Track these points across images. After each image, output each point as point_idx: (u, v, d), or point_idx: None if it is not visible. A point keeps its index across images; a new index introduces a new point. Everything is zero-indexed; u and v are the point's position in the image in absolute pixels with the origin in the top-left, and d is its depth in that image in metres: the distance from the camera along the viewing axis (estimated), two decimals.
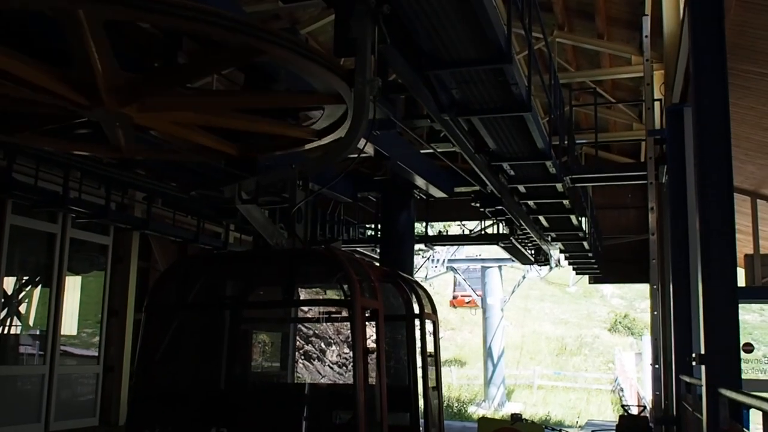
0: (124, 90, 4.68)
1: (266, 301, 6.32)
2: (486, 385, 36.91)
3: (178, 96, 5.25)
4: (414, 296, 6.20)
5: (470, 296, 40.89)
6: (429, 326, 6.32)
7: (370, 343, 5.08)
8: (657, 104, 13.74)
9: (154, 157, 7.34)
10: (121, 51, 4.72)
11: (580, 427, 24.57)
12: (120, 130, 5.31)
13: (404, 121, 8.62)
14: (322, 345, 18.29)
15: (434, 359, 6.25)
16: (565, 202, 13.05)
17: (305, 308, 7.20)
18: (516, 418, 5.00)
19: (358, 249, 18.15)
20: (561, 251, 20.07)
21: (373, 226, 18.16)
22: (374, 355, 5.11)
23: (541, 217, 15.03)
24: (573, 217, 14.73)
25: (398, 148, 11.61)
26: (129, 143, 5.67)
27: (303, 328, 16.78)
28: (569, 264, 22.44)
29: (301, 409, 5.24)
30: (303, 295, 6.61)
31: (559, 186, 11.78)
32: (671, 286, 11.02)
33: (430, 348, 6.25)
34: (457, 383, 40.62)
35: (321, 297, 6.10)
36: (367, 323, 5.11)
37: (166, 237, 15.86)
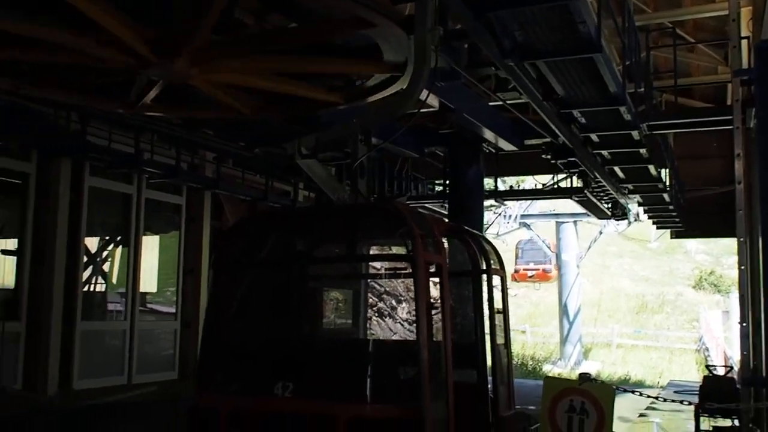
0: (199, 51, 4.74)
1: (328, 256, 6.33)
2: (562, 344, 36.42)
3: (247, 59, 5.30)
4: (480, 251, 6.09)
5: (536, 269, 38.98)
6: (497, 282, 6.19)
7: (435, 299, 5.02)
8: (744, 42, 12.82)
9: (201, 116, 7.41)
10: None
11: (661, 387, 23.96)
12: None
13: (468, 70, 8.34)
14: (393, 302, 18.24)
15: (502, 315, 6.15)
16: (642, 151, 12.46)
17: (371, 264, 7.12)
18: (585, 378, 4.76)
19: (426, 205, 17.96)
20: (639, 204, 19.31)
21: (441, 181, 17.89)
22: (439, 311, 5.02)
23: (616, 168, 14.44)
24: (651, 168, 14.08)
25: (464, 100, 11.31)
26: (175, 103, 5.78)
27: (376, 286, 16.76)
28: (649, 218, 21.63)
29: (366, 364, 5.24)
30: (369, 251, 6.59)
31: (635, 134, 11.24)
32: (760, 240, 10.39)
33: (498, 304, 6.15)
34: (532, 341, 40.25)
35: (385, 253, 6.04)
36: (432, 279, 5.03)
37: (236, 196, 16.07)
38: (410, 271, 4.98)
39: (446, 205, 16.32)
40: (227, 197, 16.27)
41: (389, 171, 16.82)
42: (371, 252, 6.82)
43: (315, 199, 5.91)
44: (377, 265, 7.10)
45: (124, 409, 10.55)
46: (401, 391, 4.84)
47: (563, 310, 36.38)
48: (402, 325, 16.18)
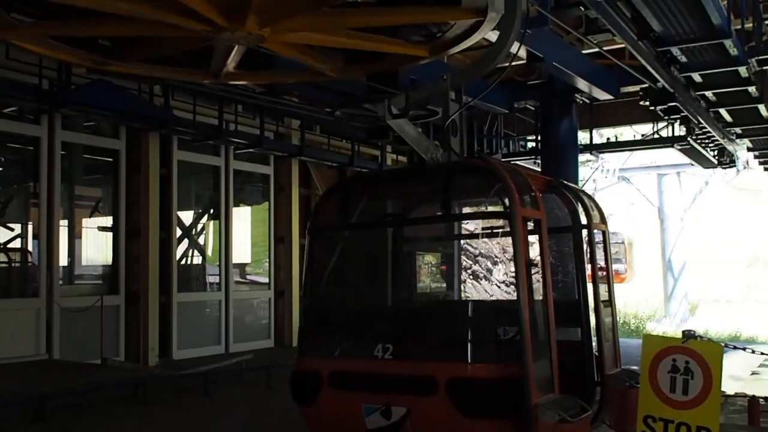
0: (265, 10, 4.73)
1: (422, 217, 6.22)
2: (666, 301, 35.06)
3: (315, 15, 5.10)
4: (581, 206, 5.87)
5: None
6: (598, 237, 6.01)
7: (534, 257, 4.93)
8: None
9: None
10: None
11: None
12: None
13: (555, 11, 7.80)
14: (488, 264, 17.85)
15: (605, 271, 5.92)
16: (751, 89, 11.46)
17: (465, 225, 6.87)
18: (689, 335, 4.31)
19: (518, 162, 17.35)
20: (749, 150, 18.02)
21: (533, 137, 17.22)
22: (539, 268, 4.94)
23: (722, 111, 13.43)
24: (762, 108, 12.99)
25: (553, 48, 10.67)
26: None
27: (470, 248, 16.39)
28: (759, 164, 20.24)
29: (465, 325, 5.18)
30: (463, 211, 6.37)
31: (742, 70, 10.31)
32: None
33: (601, 260, 5.93)
34: (635, 299, 38.86)
35: (481, 211, 5.90)
36: (530, 236, 4.93)
37: (323, 163, 15.98)
38: (507, 229, 4.88)
39: (538, 162, 15.70)
40: (314, 164, 16.23)
41: (479, 130, 16.32)
42: (465, 211, 6.60)
43: (407, 160, 5.85)
44: (471, 227, 6.88)
45: (223, 377, 10.68)
46: (501, 351, 4.87)
47: (667, 265, 34.95)
48: (498, 286, 15.81)
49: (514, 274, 4.75)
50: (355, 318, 5.86)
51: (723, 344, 4.72)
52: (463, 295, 5.71)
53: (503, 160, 16.48)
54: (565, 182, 6.08)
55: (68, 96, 10.48)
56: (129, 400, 8.91)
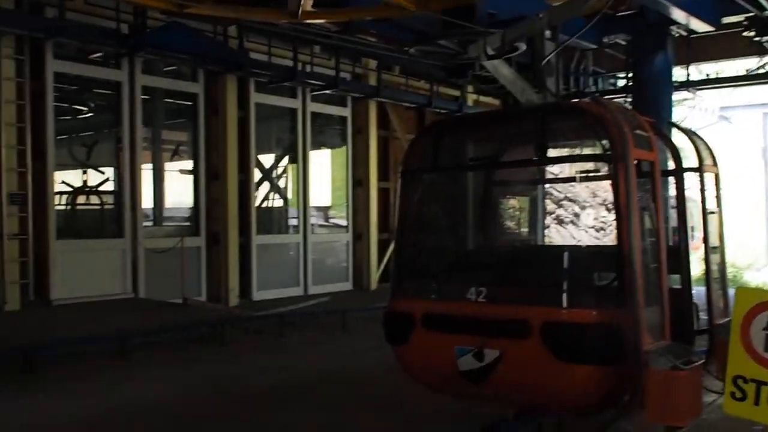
0: None
1: (522, 160, 5.97)
2: None
3: None
4: (693, 147, 5.68)
5: None
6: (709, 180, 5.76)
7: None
8: None
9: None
10: None
11: None
12: None
13: None
14: (586, 208, 17.33)
15: (717, 217, 5.76)
16: None
17: (559, 168, 6.66)
18: None
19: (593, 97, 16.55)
20: None
21: (623, 74, 16.34)
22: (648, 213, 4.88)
23: None
24: None
25: None
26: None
27: (554, 192, 15.96)
28: None
29: (560, 269, 5.04)
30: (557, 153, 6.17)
31: None
32: None
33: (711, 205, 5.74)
34: (733, 245, 37.14)
35: (589, 153, 5.64)
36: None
37: (401, 104, 15.71)
38: (609, 172, 4.73)
39: (629, 100, 14.90)
40: (392, 106, 15.97)
41: (565, 66, 15.61)
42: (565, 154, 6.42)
43: (501, 102, 5.80)
44: (570, 170, 6.66)
45: (299, 319, 10.84)
46: (599, 297, 4.73)
47: None
48: (587, 232, 15.43)
49: (604, 219, 4.55)
50: (448, 261, 5.92)
51: None
52: (559, 239, 5.53)
53: (593, 98, 15.74)
54: (674, 122, 6.04)
55: (144, 39, 10.57)
56: (207, 339, 9.16)
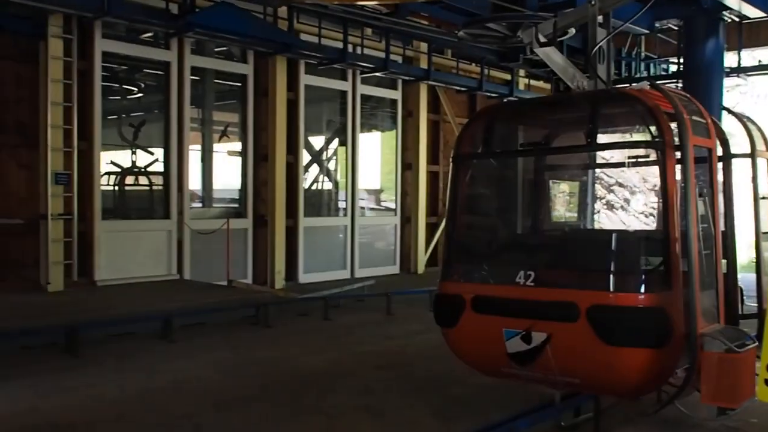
0: None
1: (572, 146, 5.99)
2: None
3: None
4: (745, 132, 5.69)
5: None
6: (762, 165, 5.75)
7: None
8: None
9: None
10: None
11: None
12: None
13: None
14: (626, 194, 17.00)
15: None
16: None
17: (609, 155, 6.58)
18: None
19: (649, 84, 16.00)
20: None
21: (675, 60, 15.82)
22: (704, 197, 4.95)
23: None
24: None
25: None
26: None
27: (605, 177, 15.77)
28: None
29: (608, 253, 5.14)
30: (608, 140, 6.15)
31: None
32: None
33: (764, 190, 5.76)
34: None
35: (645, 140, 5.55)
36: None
37: (452, 87, 15.45)
38: (658, 158, 4.79)
39: (680, 86, 14.42)
40: (443, 89, 15.74)
41: (617, 51, 15.14)
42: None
43: (552, 89, 5.89)
44: (606, 156, 6.53)
45: (344, 302, 10.76)
46: (646, 281, 4.76)
47: None
48: (636, 217, 15.04)
49: (663, 204, 4.66)
50: (497, 245, 6.04)
51: None
52: (608, 224, 5.52)
53: (644, 84, 15.28)
54: (727, 108, 6.01)
55: (193, 19, 10.51)
56: (251, 321, 9.13)
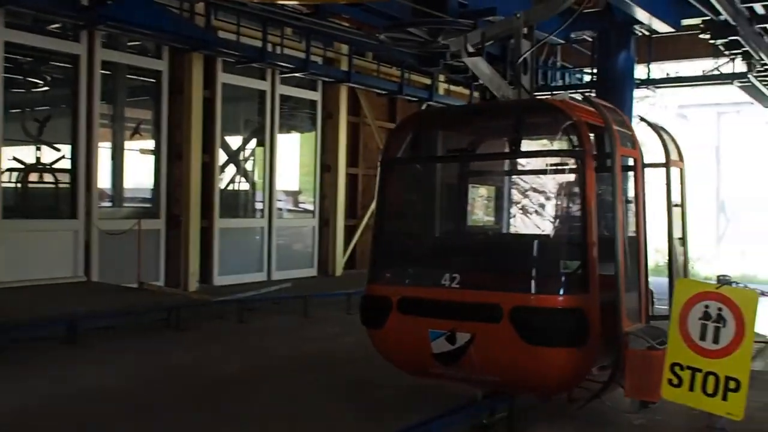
0: None
1: (501, 153, 6.35)
2: (717, 242, 34.25)
3: None
4: (660, 142, 5.87)
5: None
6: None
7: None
8: None
9: None
10: None
11: None
12: None
13: None
14: (546, 201, 17.36)
15: (681, 209, 5.99)
16: None
17: (526, 162, 6.80)
18: (723, 281, 4.03)
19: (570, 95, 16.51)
20: None
21: (589, 70, 16.38)
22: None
23: None
24: None
25: None
26: None
27: (528, 183, 16.10)
28: None
29: (531, 257, 5.31)
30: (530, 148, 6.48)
31: None
32: None
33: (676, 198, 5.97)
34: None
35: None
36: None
37: (372, 90, 15.45)
38: (579, 168, 5.03)
39: (593, 95, 14.91)
40: (364, 91, 15.72)
41: (534, 60, 15.52)
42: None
43: (480, 96, 6.14)
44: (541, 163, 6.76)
45: (261, 305, 10.55)
46: (566, 283, 4.99)
47: (720, 206, 33.99)
48: (551, 222, 15.52)
49: (582, 210, 4.90)
50: (424, 248, 6.18)
51: (760, 291, 4.48)
52: (531, 230, 5.79)
53: (557, 93, 15.73)
54: (643, 117, 6.06)
55: (104, 11, 10.09)
56: (164, 324, 8.82)
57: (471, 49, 5.63)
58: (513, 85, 5.66)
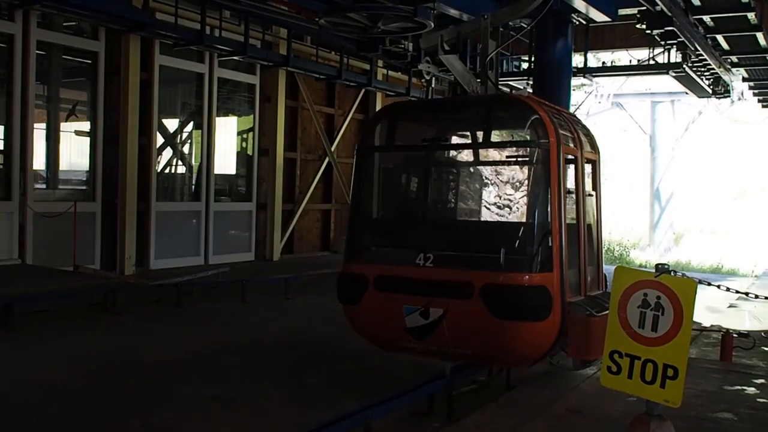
0: None
1: (465, 143, 6.74)
2: (652, 230, 35.08)
3: None
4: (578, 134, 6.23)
5: None
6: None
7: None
8: None
9: None
10: None
11: (755, 276, 22.79)
12: None
13: None
14: (509, 187, 17.90)
15: (594, 198, 6.47)
16: (750, 16, 11.03)
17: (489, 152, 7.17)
18: (662, 269, 4.16)
19: (509, 83, 16.90)
20: (744, 80, 17.59)
21: (527, 58, 16.70)
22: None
23: (719, 38, 12.97)
24: (760, 36, 12.52)
25: None
26: None
27: (490, 171, 16.54)
28: (754, 95, 19.81)
29: (499, 239, 5.79)
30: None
31: None
32: None
33: (588, 187, 6.38)
34: (620, 226, 38.91)
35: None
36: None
37: (311, 74, 15.52)
38: (543, 160, 5.56)
39: (530, 83, 15.28)
40: (302, 76, 15.77)
41: (472, 47, 15.78)
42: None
43: (450, 90, 7.88)
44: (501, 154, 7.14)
45: (198, 289, 10.61)
46: (531, 263, 5.43)
47: (655, 194, 34.84)
48: (525, 209, 16.16)
49: (547, 198, 5.45)
50: (399, 229, 6.49)
51: (697, 280, 4.69)
52: (499, 215, 6.28)
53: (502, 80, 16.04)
54: (561, 109, 6.40)
55: None
56: (99, 308, 8.87)
57: (447, 48, 6.12)
58: (481, 81, 6.15)
